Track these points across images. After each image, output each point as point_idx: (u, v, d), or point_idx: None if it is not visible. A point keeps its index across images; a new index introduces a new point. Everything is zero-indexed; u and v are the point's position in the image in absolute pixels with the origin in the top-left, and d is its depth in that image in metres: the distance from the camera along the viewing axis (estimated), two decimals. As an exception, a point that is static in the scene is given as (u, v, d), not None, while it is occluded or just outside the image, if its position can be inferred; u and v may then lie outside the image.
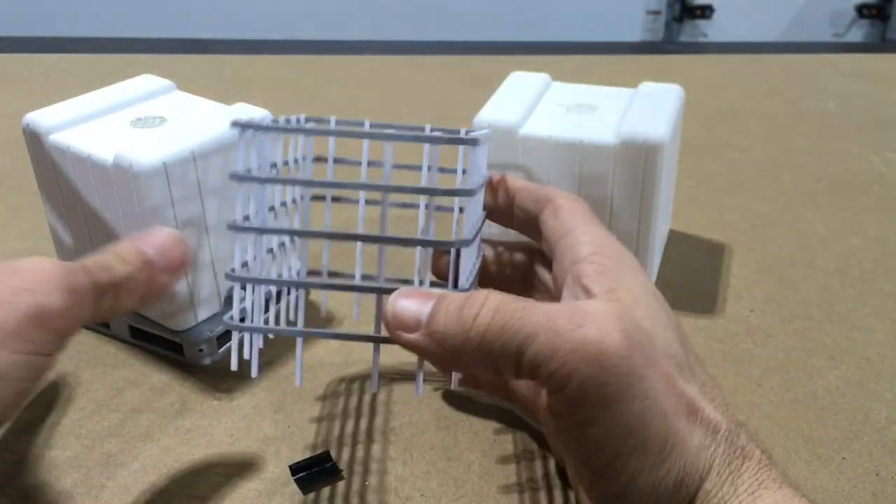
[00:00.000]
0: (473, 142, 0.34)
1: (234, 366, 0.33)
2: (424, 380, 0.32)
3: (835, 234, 0.59)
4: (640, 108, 0.49)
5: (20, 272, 0.29)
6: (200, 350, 0.43)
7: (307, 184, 0.33)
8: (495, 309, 0.28)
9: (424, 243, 0.34)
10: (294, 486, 0.37)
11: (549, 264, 0.37)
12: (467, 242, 0.33)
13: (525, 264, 0.41)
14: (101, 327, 0.47)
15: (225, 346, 0.44)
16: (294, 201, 0.41)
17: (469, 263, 0.34)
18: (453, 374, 0.33)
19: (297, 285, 0.32)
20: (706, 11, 2.55)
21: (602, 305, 0.29)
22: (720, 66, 0.93)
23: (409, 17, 2.47)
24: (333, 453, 0.39)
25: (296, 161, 0.40)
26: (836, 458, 0.39)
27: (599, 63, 0.95)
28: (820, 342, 0.47)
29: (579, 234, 0.35)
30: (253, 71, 0.90)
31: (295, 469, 0.38)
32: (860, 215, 0.61)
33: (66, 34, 2.24)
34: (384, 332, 0.31)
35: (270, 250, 0.39)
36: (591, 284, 0.32)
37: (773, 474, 0.28)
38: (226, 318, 0.33)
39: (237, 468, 0.38)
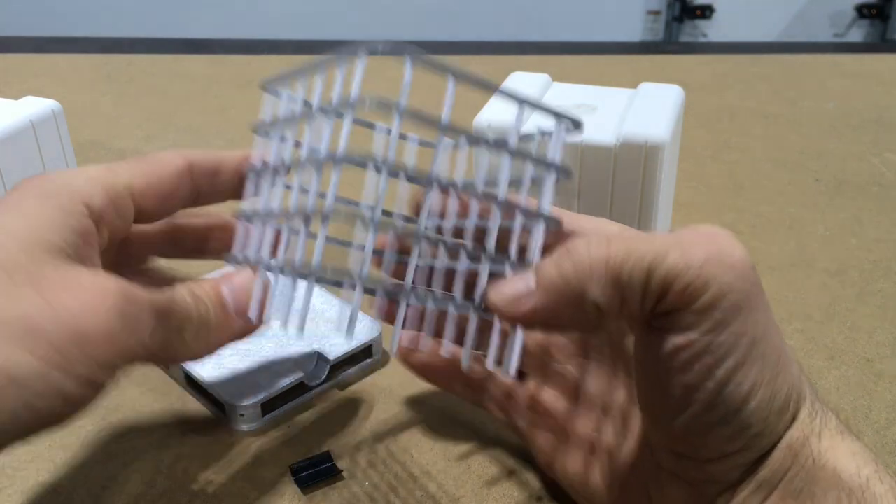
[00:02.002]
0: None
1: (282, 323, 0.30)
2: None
3: (835, 234, 0.59)
4: (640, 109, 0.49)
5: (73, 285, 0.27)
6: (242, 415, 0.40)
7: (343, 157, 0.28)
8: (608, 240, 0.28)
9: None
10: (294, 486, 0.37)
11: None
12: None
13: None
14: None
15: (269, 415, 0.41)
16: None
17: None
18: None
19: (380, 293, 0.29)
20: (706, 11, 2.55)
21: (715, 227, 0.29)
22: (720, 66, 0.93)
23: (409, 17, 2.47)
24: (333, 453, 0.39)
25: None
26: (836, 459, 0.39)
27: (599, 63, 0.95)
28: (820, 342, 0.47)
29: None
30: (253, 71, 0.90)
31: (295, 469, 0.38)
32: (860, 215, 0.61)
33: (66, 34, 2.24)
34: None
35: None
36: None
37: (845, 427, 0.29)
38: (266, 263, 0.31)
39: (237, 468, 0.38)
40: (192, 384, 0.42)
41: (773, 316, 0.28)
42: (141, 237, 0.36)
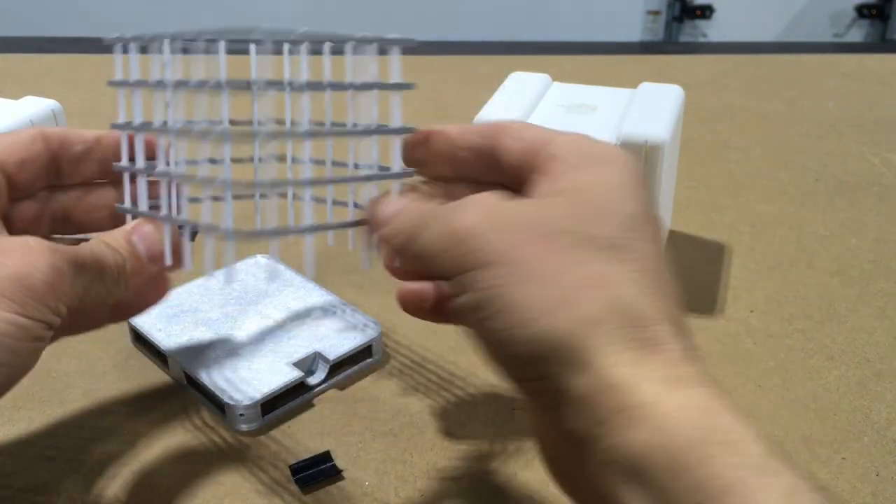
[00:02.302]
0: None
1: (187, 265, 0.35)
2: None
3: (834, 234, 0.59)
4: (640, 109, 0.49)
5: (6, 249, 0.32)
6: (241, 415, 0.40)
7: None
8: (405, 211, 0.33)
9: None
10: (294, 486, 0.37)
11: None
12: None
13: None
14: (160, 362, 0.44)
15: (269, 415, 0.41)
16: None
17: None
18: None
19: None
20: (706, 11, 2.56)
21: (482, 196, 0.31)
22: (720, 66, 0.93)
23: (409, 17, 2.47)
24: (333, 453, 0.39)
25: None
26: (836, 459, 0.39)
27: (599, 63, 0.95)
28: (820, 342, 0.47)
29: (551, 135, 0.34)
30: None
31: (295, 469, 0.38)
32: (860, 215, 0.61)
33: (66, 34, 2.24)
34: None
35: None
36: (546, 175, 0.32)
37: (692, 371, 0.27)
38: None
39: (237, 468, 0.39)
40: (193, 384, 0.43)
41: (530, 265, 0.28)
42: (25, 220, 0.38)
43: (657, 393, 0.26)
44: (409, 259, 0.33)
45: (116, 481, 0.38)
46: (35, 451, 0.39)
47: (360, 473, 0.38)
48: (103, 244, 0.35)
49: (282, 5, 2.42)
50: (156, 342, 0.44)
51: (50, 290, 0.31)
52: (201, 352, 0.43)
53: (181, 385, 0.43)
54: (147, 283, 0.37)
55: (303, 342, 0.44)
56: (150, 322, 0.45)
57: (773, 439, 0.40)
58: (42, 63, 0.93)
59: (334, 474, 0.38)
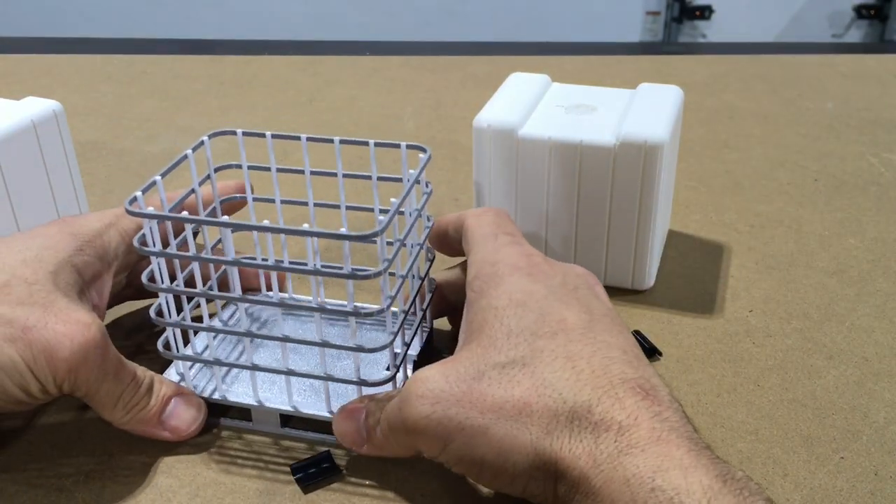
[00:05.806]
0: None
1: None
2: None
3: (833, 234, 0.59)
4: (639, 109, 0.49)
5: (68, 315, 0.35)
6: None
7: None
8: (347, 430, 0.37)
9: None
10: (295, 486, 0.38)
11: None
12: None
13: None
14: (241, 419, 0.41)
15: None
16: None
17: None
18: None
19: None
20: (705, 12, 2.56)
21: (419, 381, 0.34)
22: (719, 67, 0.93)
23: (409, 17, 2.47)
24: (334, 453, 0.39)
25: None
26: (835, 458, 0.39)
27: (599, 63, 0.95)
28: (818, 342, 0.47)
29: (471, 257, 0.39)
30: (253, 71, 0.90)
31: (296, 468, 0.38)
32: (858, 215, 0.61)
33: (67, 35, 2.24)
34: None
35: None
36: (467, 311, 0.37)
37: (643, 435, 0.30)
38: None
39: (239, 467, 0.39)
40: (288, 423, 0.41)
41: (485, 419, 0.32)
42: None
43: (613, 469, 0.29)
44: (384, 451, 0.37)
45: (117, 481, 0.38)
46: (38, 450, 0.39)
47: (361, 473, 0.38)
48: (150, 380, 0.39)
49: (283, 5, 2.42)
50: (244, 403, 0.41)
51: (65, 368, 0.35)
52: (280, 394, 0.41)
53: (275, 433, 0.41)
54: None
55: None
56: (218, 387, 0.41)
57: (772, 439, 0.40)
58: (42, 63, 0.93)
59: (335, 474, 0.38)
